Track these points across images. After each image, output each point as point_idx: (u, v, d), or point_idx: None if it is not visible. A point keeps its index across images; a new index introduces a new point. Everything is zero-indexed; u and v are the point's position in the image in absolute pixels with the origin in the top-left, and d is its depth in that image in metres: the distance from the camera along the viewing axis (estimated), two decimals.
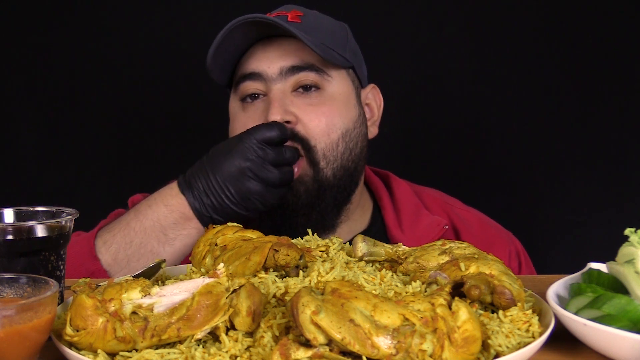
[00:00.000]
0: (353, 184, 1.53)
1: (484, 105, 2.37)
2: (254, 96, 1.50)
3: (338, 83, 1.50)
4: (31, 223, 1.01)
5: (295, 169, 1.43)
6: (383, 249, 1.08)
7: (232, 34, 1.44)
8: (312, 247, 1.08)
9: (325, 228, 1.50)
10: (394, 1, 2.35)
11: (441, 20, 2.36)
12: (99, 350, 0.83)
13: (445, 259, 1.02)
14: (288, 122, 1.43)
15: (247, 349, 0.83)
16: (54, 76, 2.42)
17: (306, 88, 1.47)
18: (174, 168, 2.37)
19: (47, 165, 2.43)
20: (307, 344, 0.76)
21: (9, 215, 1.05)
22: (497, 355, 0.83)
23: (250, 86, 1.49)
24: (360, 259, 1.08)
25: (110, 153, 2.44)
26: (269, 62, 1.47)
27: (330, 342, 0.76)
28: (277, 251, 0.97)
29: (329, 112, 1.47)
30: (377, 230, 1.58)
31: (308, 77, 1.47)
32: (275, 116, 1.42)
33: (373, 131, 1.61)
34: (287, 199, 1.45)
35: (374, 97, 1.62)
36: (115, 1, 2.41)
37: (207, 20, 2.39)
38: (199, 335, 0.83)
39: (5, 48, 2.41)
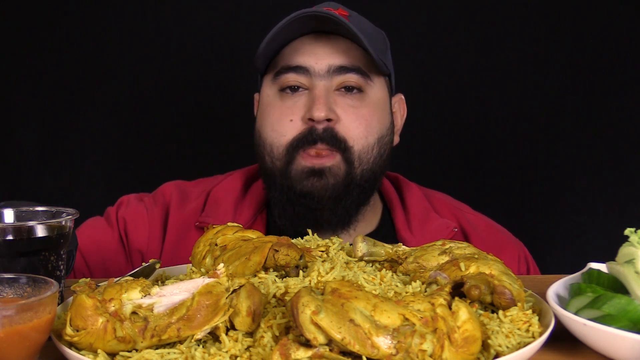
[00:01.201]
0: (374, 188, 1.54)
1: (484, 107, 2.38)
2: (294, 88, 1.48)
3: (378, 89, 1.51)
4: (31, 223, 1.01)
5: (326, 158, 1.43)
6: (383, 249, 1.08)
7: (288, 25, 1.44)
8: (312, 247, 1.08)
9: (345, 225, 1.51)
10: (396, 3, 2.36)
11: (446, 24, 2.37)
12: (99, 350, 0.83)
13: (445, 259, 1.02)
14: (330, 119, 1.44)
15: (247, 349, 0.83)
16: (54, 76, 2.42)
17: (349, 89, 1.47)
18: (173, 168, 2.39)
19: (47, 165, 2.43)
20: (307, 344, 0.76)
21: (9, 215, 1.05)
22: (497, 355, 0.83)
23: (294, 78, 1.47)
24: (360, 259, 1.08)
25: (110, 153, 2.44)
26: (317, 58, 1.46)
27: (330, 342, 0.76)
28: (277, 251, 0.97)
29: (369, 116, 1.47)
30: (387, 231, 1.58)
31: (353, 79, 1.47)
32: (320, 112, 1.42)
33: (395, 140, 1.61)
34: (314, 189, 1.44)
35: (399, 107, 1.63)
36: (115, 1, 2.41)
37: (208, 19, 2.40)
38: (199, 335, 0.83)
39: (6, 48, 2.41)
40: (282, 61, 1.50)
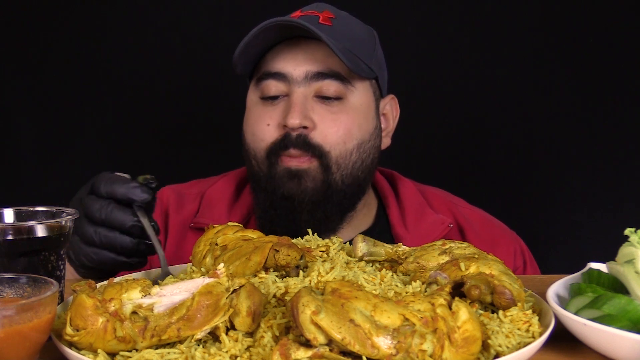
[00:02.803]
0: (360, 192, 1.53)
1: (484, 106, 2.37)
2: (274, 97, 1.48)
3: (360, 94, 1.49)
4: (31, 223, 1.01)
5: (302, 161, 1.43)
6: (383, 249, 1.08)
7: (261, 33, 1.43)
8: (312, 247, 1.08)
9: (327, 230, 1.49)
10: (393, 2, 2.36)
11: (444, 20, 2.36)
12: (99, 350, 0.83)
13: (445, 259, 1.02)
14: (305, 127, 1.43)
15: (247, 349, 0.83)
16: (54, 76, 2.42)
17: (327, 98, 1.46)
18: (174, 168, 2.39)
19: (47, 165, 2.43)
20: (307, 344, 0.76)
21: (9, 215, 1.05)
22: (497, 355, 0.83)
23: (273, 85, 1.47)
24: (360, 259, 1.08)
25: (110, 153, 2.44)
26: (296, 64, 1.46)
27: (330, 342, 0.76)
28: (277, 251, 0.97)
29: (348, 123, 1.46)
30: (382, 228, 1.58)
31: (332, 86, 1.45)
32: (295, 120, 1.41)
33: (386, 142, 1.60)
34: (293, 192, 1.44)
35: (391, 109, 1.61)
36: (113, 3, 2.40)
37: (206, 21, 2.40)
38: (199, 335, 0.83)
39: (6, 48, 2.41)
40: (264, 66, 1.50)
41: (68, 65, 2.41)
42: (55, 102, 2.43)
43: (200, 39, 2.39)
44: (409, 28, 2.34)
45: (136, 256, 1.18)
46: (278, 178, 1.45)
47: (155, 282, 1.10)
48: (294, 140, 1.43)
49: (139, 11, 2.39)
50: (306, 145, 1.43)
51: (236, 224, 1.12)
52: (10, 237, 0.97)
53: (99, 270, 1.21)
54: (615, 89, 2.32)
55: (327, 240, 1.14)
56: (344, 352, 0.76)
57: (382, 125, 1.58)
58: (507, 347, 0.83)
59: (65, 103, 2.43)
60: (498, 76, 2.35)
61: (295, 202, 1.45)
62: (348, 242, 1.14)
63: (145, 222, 1.14)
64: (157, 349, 0.84)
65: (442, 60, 2.37)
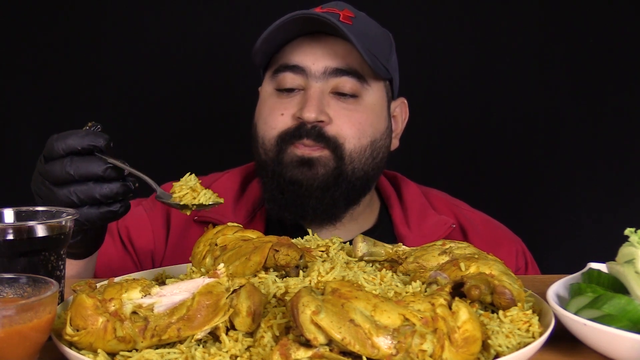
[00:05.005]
0: (366, 189, 1.54)
1: (485, 107, 2.37)
2: (290, 90, 1.49)
3: (375, 94, 1.51)
4: (31, 223, 1.01)
5: (315, 150, 1.44)
6: (383, 249, 1.08)
7: (285, 25, 1.44)
8: (312, 247, 1.08)
9: (331, 219, 1.50)
10: (399, 5, 2.35)
11: (446, 23, 2.36)
12: (99, 350, 0.83)
13: (445, 259, 1.02)
14: (321, 121, 1.44)
15: (247, 349, 0.83)
16: (54, 76, 2.42)
17: (343, 95, 1.47)
18: (175, 169, 2.38)
19: None
20: (307, 344, 0.76)
21: (9, 215, 1.05)
22: (497, 355, 0.83)
23: (290, 78, 1.48)
24: (360, 259, 1.08)
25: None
26: (315, 58, 1.47)
27: (330, 342, 0.76)
28: (277, 251, 0.97)
29: (362, 120, 1.47)
30: (385, 228, 1.59)
31: (348, 83, 1.46)
32: (310, 114, 1.42)
33: (394, 143, 1.61)
34: (302, 177, 1.45)
35: (401, 111, 1.63)
36: (115, 2, 2.40)
37: (209, 18, 2.39)
38: (199, 335, 0.83)
39: (6, 48, 2.41)
40: (281, 59, 1.50)
41: (68, 65, 2.41)
42: (55, 102, 2.43)
43: (200, 39, 2.39)
44: (410, 30, 2.34)
45: (117, 202, 1.14)
46: (286, 163, 1.46)
47: (160, 198, 1.10)
48: (309, 131, 1.44)
49: (139, 10, 2.39)
50: (320, 136, 1.44)
51: (236, 224, 1.12)
52: (10, 237, 0.96)
53: (89, 239, 1.19)
54: (616, 89, 2.32)
55: (327, 240, 1.14)
56: (344, 352, 0.76)
57: (392, 127, 1.59)
58: (507, 347, 0.83)
59: (66, 103, 2.43)
60: (497, 78, 2.35)
61: (304, 187, 1.45)
62: (348, 242, 1.14)
63: (115, 161, 1.11)
64: (157, 349, 0.84)
65: (444, 63, 2.37)
